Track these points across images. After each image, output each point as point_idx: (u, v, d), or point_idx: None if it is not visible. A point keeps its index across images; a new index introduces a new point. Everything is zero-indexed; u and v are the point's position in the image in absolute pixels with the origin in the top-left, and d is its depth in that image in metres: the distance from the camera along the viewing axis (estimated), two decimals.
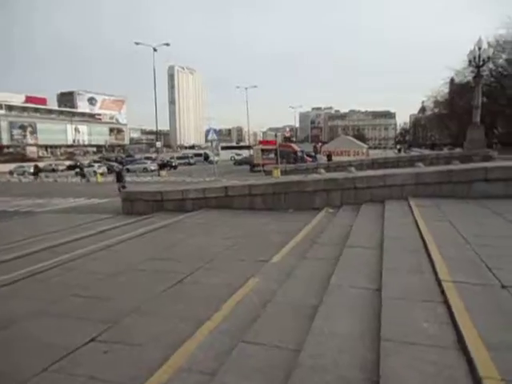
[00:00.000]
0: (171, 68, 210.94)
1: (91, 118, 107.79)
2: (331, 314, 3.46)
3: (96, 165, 39.95)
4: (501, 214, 7.43)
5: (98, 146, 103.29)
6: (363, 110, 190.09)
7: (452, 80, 78.10)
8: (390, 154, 57.51)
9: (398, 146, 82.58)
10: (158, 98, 35.61)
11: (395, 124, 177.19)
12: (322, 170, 20.51)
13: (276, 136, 29.44)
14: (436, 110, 78.31)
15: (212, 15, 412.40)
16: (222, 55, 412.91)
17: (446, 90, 70.02)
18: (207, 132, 19.69)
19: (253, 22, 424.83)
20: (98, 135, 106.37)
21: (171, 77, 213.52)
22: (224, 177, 26.62)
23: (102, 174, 33.31)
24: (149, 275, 5.49)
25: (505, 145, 43.64)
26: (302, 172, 25.52)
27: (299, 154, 33.41)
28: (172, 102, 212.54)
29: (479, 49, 23.32)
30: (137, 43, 33.07)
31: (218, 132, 20.02)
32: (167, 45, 33.63)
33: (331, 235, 6.86)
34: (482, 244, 5.11)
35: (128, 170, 40.30)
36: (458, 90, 65.19)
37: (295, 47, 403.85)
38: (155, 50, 33.09)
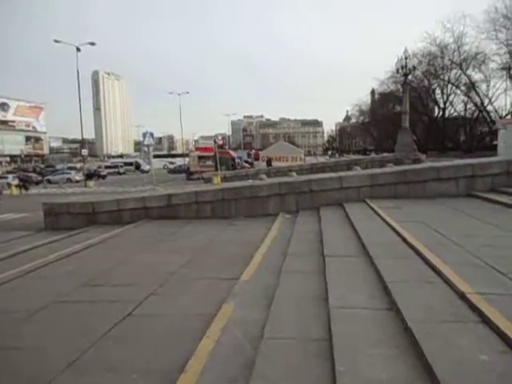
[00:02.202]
0: (96, 73, 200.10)
1: (3, 125, 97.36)
2: (352, 351, 2.61)
3: (10, 176, 35.54)
4: (463, 211, 7.29)
5: (13, 156, 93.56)
6: (292, 118, 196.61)
7: (373, 91, 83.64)
8: (322, 159, 59.41)
9: (329, 152, 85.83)
10: (82, 106, 32.71)
11: (322, 132, 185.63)
12: (264, 176, 19.91)
13: (215, 142, 28.37)
14: (361, 118, 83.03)
15: (140, 19, 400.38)
16: (149, 61, 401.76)
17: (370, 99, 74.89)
18: (143, 135, 18.03)
19: (182, 28, 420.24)
20: (12, 144, 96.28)
21: (96, 82, 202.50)
22: (160, 186, 24.92)
23: (17, 186, 29.54)
24: (84, 309, 4.23)
25: (423, 151, 47.29)
26: (243, 178, 24.83)
27: (237, 160, 32.72)
28: (97, 108, 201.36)
29: (405, 58, 24.67)
30: (56, 41, 29.93)
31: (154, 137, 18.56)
32: (92, 44, 30.94)
33: (301, 244, 6.09)
34: (479, 244, 4.67)
35: (49, 182, 36.61)
36: (380, 100, 69.85)
37: (229, 55, 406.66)
38: (78, 49, 30.27)
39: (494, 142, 46.76)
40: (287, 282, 4.27)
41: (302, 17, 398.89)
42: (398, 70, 25.21)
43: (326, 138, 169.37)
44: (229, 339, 3.16)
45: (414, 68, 25.41)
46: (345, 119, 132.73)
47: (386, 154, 29.98)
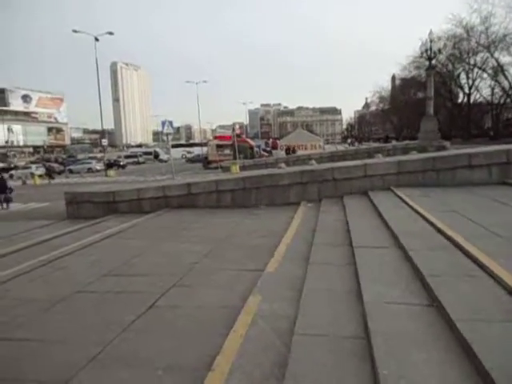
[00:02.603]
0: (114, 64, 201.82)
1: (26, 116, 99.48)
2: (395, 353, 2.39)
3: (33, 166, 36.26)
4: (497, 199, 6.89)
5: (36, 147, 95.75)
6: (311, 106, 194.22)
7: (393, 77, 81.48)
8: (341, 148, 58.51)
9: (349, 140, 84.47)
10: (101, 96, 32.92)
11: (341, 120, 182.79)
12: (283, 165, 19.65)
13: (234, 130, 28.12)
14: (381, 105, 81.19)
15: (159, 9, 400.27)
16: (165, 52, 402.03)
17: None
18: (162, 124, 17.96)
19: (201, 17, 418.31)
20: (35, 135, 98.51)
21: (114, 73, 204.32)
22: (178, 175, 24.95)
23: (40, 176, 30.11)
24: (107, 300, 4.12)
25: (447, 138, 45.96)
26: (261, 167, 24.60)
27: (256, 149, 32.46)
28: (116, 99, 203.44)
29: (431, 41, 23.71)
30: (75, 31, 30.09)
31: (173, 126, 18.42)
32: (110, 33, 30.94)
33: (327, 233, 5.85)
34: None
35: (71, 171, 37.23)
36: (401, 86, 68.01)
37: (245, 44, 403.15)
38: (97, 39, 30.35)
39: None
40: (316, 275, 4.06)
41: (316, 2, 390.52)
42: (422, 54, 24.26)
43: (344, 126, 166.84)
44: (257, 334, 2.98)
45: (440, 51, 24.42)
46: (364, 107, 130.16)
47: (408, 142, 29.15)
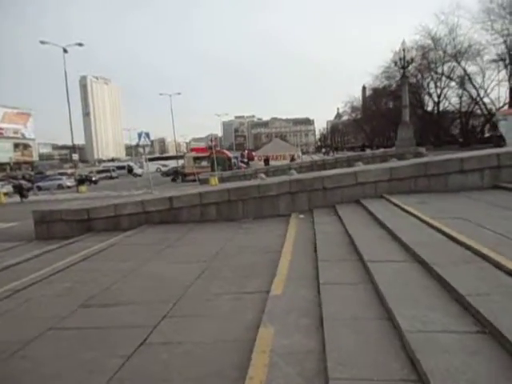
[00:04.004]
0: (83, 78, 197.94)
1: None
2: None
3: None
4: (497, 204, 6.63)
5: (1, 164, 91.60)
6: (284, 117, 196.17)
7: (364, 87, 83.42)
8: (316, 157, 58.82)
9: (323, 150, 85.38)
10: (71, 111, 31.67)
11: (314, 130, 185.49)
12: (263, 175, 19.21)
13: (212, 141, 27.55)
14: (354, 115, 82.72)
15: (130, 23, 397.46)
16: (136, 66, 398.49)
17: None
18: (139, 136, 17.17)
19: (174, 26, 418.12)
20: (0, 152, 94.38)
21: (84, 87, 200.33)
22: (155, 189, 24.05)
23: (6, 194, 28.40)
24: (88, 338, 3.46)
25: (419, 145, 47.00)
26: (240, 178, 24.10)
27: (233, 160, 31.94)
28: (87, 113, 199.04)
29: (403, 50, 24.10)
30: (42, 42, 28.88)
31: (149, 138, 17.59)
32: (80, 45, 29.87)
33: (330, 247, 5.36)
34: None
35: (39, 188, 35.50)
36: (373, 95, 69.58)
37: (218, 55, 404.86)
38: (65, 51, 29.22)
39: (486, 135, 46.68)
40: (331, 297, 3.54)
41: (288, 17, 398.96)
42: (395, 63, 24.63)
43: (317, 136, 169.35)
44: (281, 382, 2.42)
45: (412, 60, 24.83)
46: (336, 117, 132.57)
47: (386, 149, 29.40)
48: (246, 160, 37.70)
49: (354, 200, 8.73)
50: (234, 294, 4.22)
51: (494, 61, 37.88)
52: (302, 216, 8.47)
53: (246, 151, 67.06)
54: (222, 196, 9.28)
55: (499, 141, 33.76)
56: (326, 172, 9.97)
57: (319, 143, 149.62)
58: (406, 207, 6.77)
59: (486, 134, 47.38)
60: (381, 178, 8.83)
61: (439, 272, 3.51)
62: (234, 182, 19.99)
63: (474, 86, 39.46)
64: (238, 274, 4.87)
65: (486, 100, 40.23)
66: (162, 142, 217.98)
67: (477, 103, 41.07)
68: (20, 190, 26.97)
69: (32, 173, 62.36)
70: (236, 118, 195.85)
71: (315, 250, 5.43)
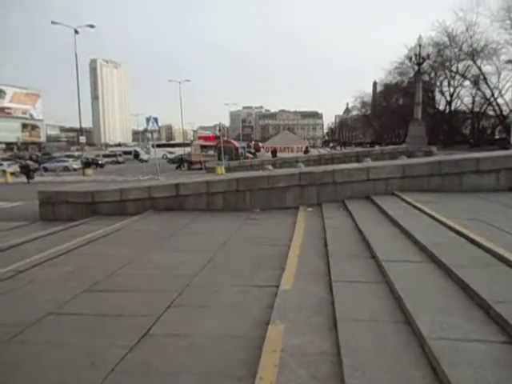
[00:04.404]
0: (93, 61, 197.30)
1: None
2: None
3: (5, 163, 34.39)
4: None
5: (9, 144, 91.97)
6: (292, 110, 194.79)
7: (375, 83, 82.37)
8: (323, 151, 58.35)
9: (331, 144, 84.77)
10: (80, 94, 31.46)
11: (322, 124, 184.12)
12: (270, 167, 19.05)
13: (219, 130, 27.32)
14: (363, 110, 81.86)
15: (141, 9, 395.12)
16: (147, 52, 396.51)
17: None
18: (147, 121, 16.97)
19: (186, 16, 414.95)
20: (8, 132, 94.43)
21: (94, 71, 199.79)
22: (161, 175, 23.96)
23: (12, 174, 28.43)
24: (89, 325, 3.33)
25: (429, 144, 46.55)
26: (247, 169, 23.95)
27: (240, 150, 31.72)
28: (95, 97, 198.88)
29: (419, 46, 23.62)
30: (54, 23, 28.64)
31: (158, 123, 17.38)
32: (91, 26, 29.59)
33: (341, 243, 5.19)
34: None
35: (46, 169, 35.53)
36: (384, 91, 68.70)
37: (228, 48, 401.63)
38: (77, 32, 28.97)
39: (497, 136, 46.01)
40: (345, 296, 3.38)
41: (299, 13, 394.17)
42: (410, 59, 24.17)
43: (325, 131, 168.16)
44: None
45: (428, 56, 24.35)
46: (345, 112, 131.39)
47: (396, 146, 29.02)
48: (253, 150, 37.45)
49: (364, 196, 8.54)
50: (241, 286, 4.07)
51: (510, 61, 37.13)
52: (310, 209, 8.30)
53: (253, 142, 66.72)
54: (230, 185, 9.12)
55: (504, 143, 33.34)
56: (336, 166, 9.76)
57: (327, 137, 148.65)
58: (419, 206, 6.57)
59: (497, 136, 46.77)
60: (393, 175, 8.62)
61: (459, 275, 3.34)
62: (241, 172, 19.84)
63: (489, 86, 38.79)
64: (245, 266, 4.72)
65: (499, 101, 39.59)
66: (169, 129, 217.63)
67: (490, 104, 40.39)
68: (27, 171, 26.92)
69: (39, 154, 62.59)
70: (244, 108, 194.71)
71: (325, 245, 5.26)
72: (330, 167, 9.51)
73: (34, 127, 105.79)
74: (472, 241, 4.35)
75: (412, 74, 46.04)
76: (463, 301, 3.01)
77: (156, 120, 17.27)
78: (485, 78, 38.60)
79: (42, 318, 3.47)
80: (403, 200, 7.49)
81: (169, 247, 5.90)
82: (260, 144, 64.93)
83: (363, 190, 8.67)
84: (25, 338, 3.12)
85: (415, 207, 6.65)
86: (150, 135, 19.43)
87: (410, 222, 5.51)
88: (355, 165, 9.78)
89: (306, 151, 31.04)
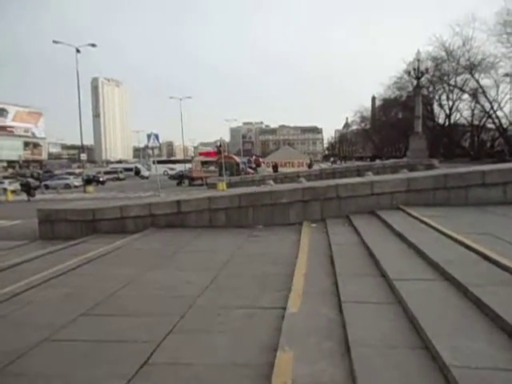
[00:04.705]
0: (95, 80, 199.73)
1: (1, 130, 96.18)
2: None
3: (6, 181, 34.38)
4: None
5: (11, 162, 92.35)
6: (292, 125, 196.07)
7: (373, 98, 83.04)
8: (324, 166, 58.35)
9: (332, 159, 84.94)
10: (81, 112, 31.60)
11: (322, 139, 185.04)
12: (271, 182, 18.98)
13: (220, 145, 27.36)
14: (363, 125, 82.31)
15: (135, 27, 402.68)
16: (150, 66, 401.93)
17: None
18: (148, 137, 16.98)
19: (184, 35, 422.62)
20: (10, 150, 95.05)
21: (95, 89, 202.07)
22: (162, 192, 23.85)
23: (13, 192, 28.37)
24: (87, 353, 3.14)
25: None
26: (248, 184, 23.84)
27: (241, 165, 31.69)
28: (97, 115, 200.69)
29: (418, 60, 23.80)
30: (56, 42, 29.02)
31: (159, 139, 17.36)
32: (93, 45, 30.00)
33: (348, 260, 5.02)
34: None
35: (47, 187, 35.50)
36: (383, 106, 69.18)
37: (227, 65, 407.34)
38: (78, 51, 29.35)
39: (498, 149, 46.02)
40: (356, 318, 3.20)
41: (295, 30, 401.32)
42: (409, 73, 24.36)
43: (325, 145, 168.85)
44: None
45: (427, 70, 24.52)
46: (344, 126, 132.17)
47: (396, 160, 28.98)
48: (253, 166, 37.45)
49: (368, 211, 8.40)
50: (246, 308, 3.89)
51: (507, 75, 37.39)
52: (314, 225, 8.14)
53: (254, 157, 66.83)
54: (232, 201, 8.98)
55: (502, 155, 33.30)
56: (340, 180, 9.63)
57: (327, 152, 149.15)
58: (426, 220, 6.42)
59: (498, 148, 46.76)
60: (398, 189, 8.49)
61: (476, 294, 3.17)
62: (242, 187, 19.72)
63: (488, 99, 38.93)
64: (249, 286, 4.54)
65: (499, 113, 39.70)
66: (170, 145, 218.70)
67: (489, 116, 40.50)
68: (27, 189, 26.81)
69: (40, 171, 62.72)
70: (244, 124, 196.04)
71: (332, 263, 5.09)
72: (333, 182, 9.38)
73: (35, 145, 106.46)
74: (485, 257, 4.19)
75: (410, 88, 46.42)
76: (483, 322, 2.84)
77: (157, 136, 17.29)
78: (483, 92, 38.81)
79: (38, 345, 3.28)
80: (409, 214, 7.33)
81: (171, 266, 5.73)
82: (260, 159, 65.14)
83: (368, 205, 8.53)
84: (16, 370, 2.92)
85: (422, 221, 6.49)
86: (150, 152, 19.42)
87: (419, 238, 5.34)
88: (359, 179, 9.66)
89: (311, 165, 30.99)
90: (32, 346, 3.27)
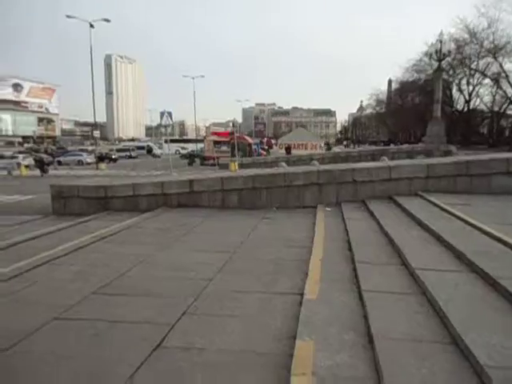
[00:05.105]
0: (108, 57, 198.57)
1: (16, 105, 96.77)
2: None
3: (20, 156, 34.63)
4: None
5: (25, 137, 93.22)
6: (305, 107, 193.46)
7: (390, 81, 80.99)
8: (337, 150, 57.51)
9: (345, 142, 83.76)
10: (94, 89, 31.31)
11: (335, 122, 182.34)
12: (283, 164, 18.71)
13: (233, 125, 27.01)
14: (378, 108, 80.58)
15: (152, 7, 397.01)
16: (164, 45, 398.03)
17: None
18: (161, 115, 16.75)
19: (199, 15, 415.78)
20: (25, 125, 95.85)
21: (108, 66, 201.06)
22: (174, 171, 23.77)
23: (27, 167, 28.58)
24: (96, 333, 3.05)
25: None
26: (260, 166, 23.58)
27: (254, 147, 31.37)
28: (110, 92, 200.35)
29: (440, 42, 22.91)
30: (69, 17, 28.58)
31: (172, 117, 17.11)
32: (107, 20, 29.45)
33: (367, 247, 4.83)
34: None
35: (60, 163, 35.71)
36: (399, 89, 67.47)
37: (240, 45, 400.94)
38: (92, 26, 28.90)
39: None
40: (379, 309, 3.03)
41: (312, 15, 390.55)
42: (430, 55, 23.48)
43: (338, 129, 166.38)
44: None
45: (450, 52, 23.61)
46: (358, 110, 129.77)
47: (413, 145, 28.32)
48: (266, 147, 37.08)
49: (385, 196, 8.18)
50: (261, 293, 3.76)
51: None
52: (329, 209, 7.94)
53: (266, 139, 66.29)
54: (245, 183, 8.80)
55: None
56: (357, 164, 9.35)
57: (340, 135, 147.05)
58: (449, 209, 6.16)
59: None
60: (417, 175, 8.22)
61: (507, 287, 2.97)
62: (254, 168, 19.48)
63: (511, 84, 37.60)
64: (264, 270, 4.40)
65: None
66: (182, 124, 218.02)
67: (511, 102, 39.22)
68: (41, 165, 26.94)
69: (54, 147, 63.16)
70: (257, 105, 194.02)
71: (349, 249, 4.92)
72: (349, 165, 9.11)
73: (49, 121, 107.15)
74: None
75: (430, 72, 45.07)
76: None
77: (170, 114, 17.05)
78: (507, 76, 37.46)
79: (46, 324, 3.20)
80: (430, 202, 7.08)
81: (182, 247, 5.61)
82: (272, 141, 64.52)
83: (384, 190, 8.29)
84: (24, 349, 2.85)
85: (445, 210, 6.24)
86: (163, 129, 19.16)
87: (442, 226, 5.11)
88: (376, 163, 9.36)
89: (329, 148, 30.48)
90: (42, 324, 3.19)
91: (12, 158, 35.10)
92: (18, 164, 29.76)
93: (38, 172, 26.65)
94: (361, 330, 2.80)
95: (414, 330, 2.68)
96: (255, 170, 15.44)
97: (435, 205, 6.72)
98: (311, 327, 2.86)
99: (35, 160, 29.64)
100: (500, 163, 8.03)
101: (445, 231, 4.83)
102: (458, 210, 5.93)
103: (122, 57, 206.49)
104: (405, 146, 27.69)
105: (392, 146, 43.95)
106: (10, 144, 79.31)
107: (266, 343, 2.83)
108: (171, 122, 17.64)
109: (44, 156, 34.59)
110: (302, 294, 3.57)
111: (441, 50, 22.47)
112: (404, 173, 8.28)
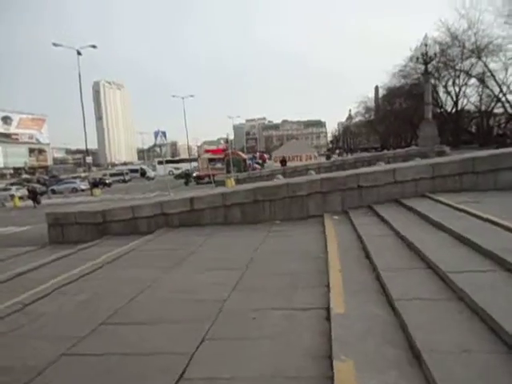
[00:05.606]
0: (96, 84, 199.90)
1: (6, 137, 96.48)
2: None
3: (13, 187, 34.23)
4: None
5: (17, 169, 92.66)
6: (295, 119, 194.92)
7: (377, 87, 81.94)
8: (332, 159, 57.57)
9: (337, 151, 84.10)
10: (84, 116, 31.08)
11: (326, 132, 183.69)
12: (280, 176, 18.55)
13: (227, 141, 26.94)
14: (367, 116, 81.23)
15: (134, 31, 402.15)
16: (153, 66, 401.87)
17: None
18: (155, 135, 16.54)
19: (182, 32, 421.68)
20: (16, 157, 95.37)
21: (97, 93, 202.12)
22: (170, 191, 23.49)
23: (20, 198, 28.18)
24: (110, 368, 2.76)
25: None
26: (256, 180, 23.41)
27: (248, 161, 31.26)
28: (99, 118, 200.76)
29: (426, 45, 23.18)
30: (55, 45, 28.60)
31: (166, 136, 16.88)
32: (93, 47, 29.47)
33: (385, 252, 4.59)
34: None
35: (54, 192, 35.34)
36: (387, 95, 68.19)
37: (229, 63, 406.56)
38: (79, 53, 28.96)
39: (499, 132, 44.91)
40: (416, 318, 2.78)
41: (293, 24, 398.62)
42: (417, 59, 23.70)
43: (329, 139, 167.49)
44: None
45: (435, 55, 23.86)
46: (347, 119, 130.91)
47: (408, 148, 28.35)
48: (260, 161, 37.02)
49: (391, 200, 8.01)
50: (282, 310, 3.49)
51: None
52: (336, 217, 7.71)
53: (258, 153, 66.48)
54: (247, 196, 8.57)
55: (504, 140, 32.46)
56: (361, 169, 9.19)
57: (331, 145, 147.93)
58: (462, 207, 5.96)
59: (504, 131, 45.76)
60: (422, 176, 8.06)
61: None
62: (251, 183, 19.30)
63: (497, 83, 38.02)
64: (280, 285, 4.14)
65: (509, 97, 38.75)
66: (174, 145, 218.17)
67: (499, 100, 39.61)
68: (34, 196, 26.53)
69: (46, 177, 62.69)
70: (247, 121, 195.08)
71: (367, 257, 4.68)
72: (354, 171, 8.92)
73: (40, 151, 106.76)
74: None
75: (415, 76, 45.66)
76: None
77: (164, 134, 16.89)
78: (492, 75, 37.92)
79: (54, 362, 2.91)
80: (439, 201, 6.89)
81: (190, 267, 5.33)
82: (265, 155, 64.67)
83: (390, 193, 8.12)
84: None
85: (457, 208, 6.04)
86: (159, 150, 18.99)
87: (460, 226, 4.90)
88: (380, 167, 9.21)
89: (329, 157, 30.43)
90: (51, 360, 2.90)
91: (5, 190, 34.70)
92: (12, 196, 29.35)
93: (31, 203, 26.23)
94: (401, 344, 2.55)
95: (461, 340, 2.43)
96: (256, 183, 15.23)
97: (446, 204, 6.53)
98: (346, 344, 2.60)
99: (28, 191, 29.24)
100: (506, 159, 7.88)
101: (465, 230, 4.62)
102: (472, 208, 5.74)
103: (110, 83, 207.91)
104: (400, 150, 27.66)
105: (385, 151, 44.11)
106: (2, 176, 78.75)
107: (299, 365, 2.56)
108: (165, 142, 17.44)
109: (37, 186, 34.21)
110: (326, 308, 3.32)
111: (427, 53, 22.69)
112: (409, 175, 8.11)
